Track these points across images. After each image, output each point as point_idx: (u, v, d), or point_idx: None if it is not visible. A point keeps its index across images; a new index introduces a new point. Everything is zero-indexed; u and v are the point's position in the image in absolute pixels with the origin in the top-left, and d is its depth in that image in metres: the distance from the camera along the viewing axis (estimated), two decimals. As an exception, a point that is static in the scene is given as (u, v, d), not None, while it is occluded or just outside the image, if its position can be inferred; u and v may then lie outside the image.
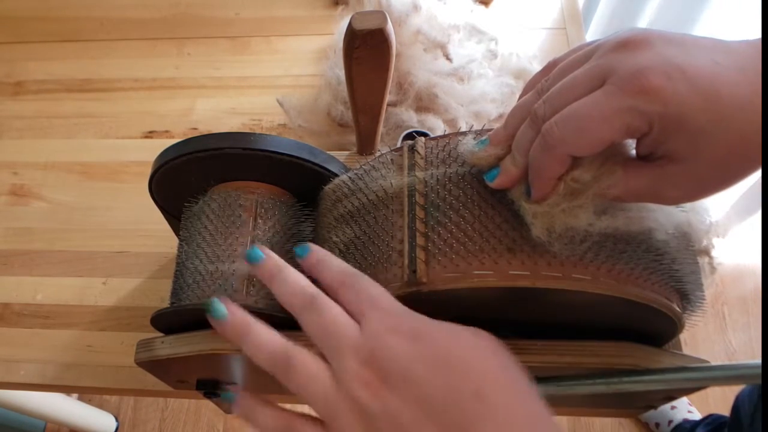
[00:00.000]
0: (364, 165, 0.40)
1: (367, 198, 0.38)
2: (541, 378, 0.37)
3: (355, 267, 0.36)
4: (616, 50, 0.27)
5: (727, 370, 0.33)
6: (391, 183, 0.37)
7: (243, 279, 0.40)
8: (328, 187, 0.42)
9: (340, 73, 0.62)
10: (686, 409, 1.22)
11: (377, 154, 0.40)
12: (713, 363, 0.37)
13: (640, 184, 0.28)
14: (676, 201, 0.29)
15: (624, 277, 0.32)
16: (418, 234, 0.34)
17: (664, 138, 0.26)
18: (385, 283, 0.34)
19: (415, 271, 0.33)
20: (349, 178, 0.40)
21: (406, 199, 0.36)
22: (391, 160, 0.39)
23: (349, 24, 0.38)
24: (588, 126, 0.27)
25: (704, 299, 0.36)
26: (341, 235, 0.39)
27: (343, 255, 0.38)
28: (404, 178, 0.37)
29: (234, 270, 0.40)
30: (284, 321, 0.39)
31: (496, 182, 0.32)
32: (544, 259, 0.32)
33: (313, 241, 0.43)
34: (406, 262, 0.34)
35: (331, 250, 0.39)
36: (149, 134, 0.68)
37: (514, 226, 0.33)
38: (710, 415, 1.16)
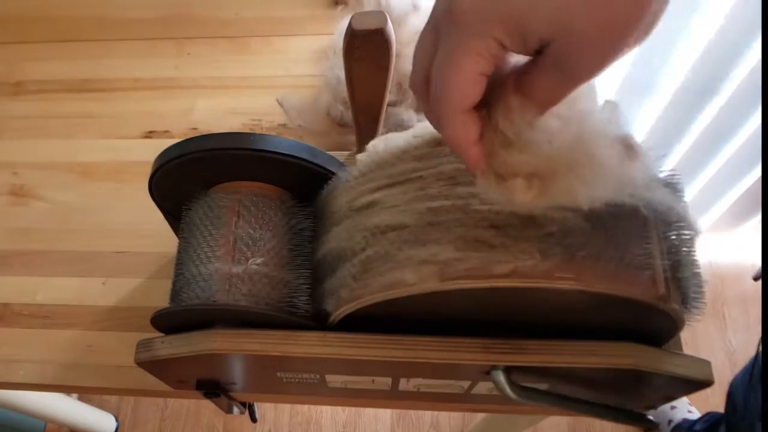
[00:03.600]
0: None
1: None
2: (554, 395, 0.37)
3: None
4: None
5: None
6: None
7: (225, 278, 0.40)
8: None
9: (340, 73, 0.61)
10: (686, 409, 1.23)
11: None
12: (713, 363, 0.37)
13: (545, 77, 0.27)
14: (594, 65, 0.25)
15: (624, 276, 0.32)
16: None
17: (522, 31, 0.25)
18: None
19: None
20: None
21: None
22: None
23: (349, 24, 0.38)
24: (449, 75, 0.27)
25: (704, 299, 0.36)
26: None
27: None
28: None
29: (217, 269, 0.40)
30: (275, 319, 0.39)
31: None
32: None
33: (313, 235, 0.43)
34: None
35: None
36: (149, 134, 0.68)
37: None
38: (708, 413, 1.16)
